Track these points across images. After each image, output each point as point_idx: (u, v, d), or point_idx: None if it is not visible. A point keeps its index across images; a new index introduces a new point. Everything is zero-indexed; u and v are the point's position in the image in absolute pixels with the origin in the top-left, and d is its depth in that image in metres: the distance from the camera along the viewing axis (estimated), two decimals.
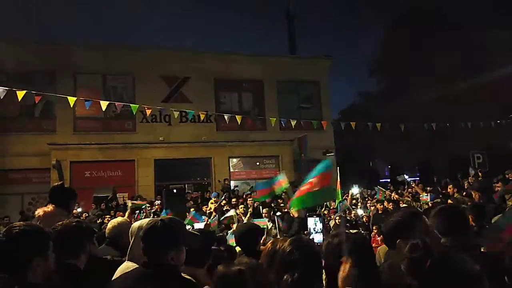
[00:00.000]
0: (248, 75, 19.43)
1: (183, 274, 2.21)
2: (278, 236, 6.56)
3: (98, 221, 10.31)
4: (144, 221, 2.89)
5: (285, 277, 1.86)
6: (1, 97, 9.84)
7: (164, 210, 8.01)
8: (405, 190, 13.03)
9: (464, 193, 9.12)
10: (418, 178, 21.95)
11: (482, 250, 2.69)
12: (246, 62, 19.29)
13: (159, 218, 2.29)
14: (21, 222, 1.96)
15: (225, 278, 1.33)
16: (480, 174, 12.30)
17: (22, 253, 1.86)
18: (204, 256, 2.67)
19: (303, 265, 1.92)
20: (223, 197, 12.47)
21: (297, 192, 3.36)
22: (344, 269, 1.82)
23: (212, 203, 11.78)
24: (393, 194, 11.63)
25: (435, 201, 9.25)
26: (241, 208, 10.51)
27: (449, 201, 9.09)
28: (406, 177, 16.74)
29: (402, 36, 27.07)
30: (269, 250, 2.21)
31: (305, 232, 6.04)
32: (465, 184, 11.67)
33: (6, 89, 9.68)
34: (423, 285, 1.38)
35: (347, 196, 13.40)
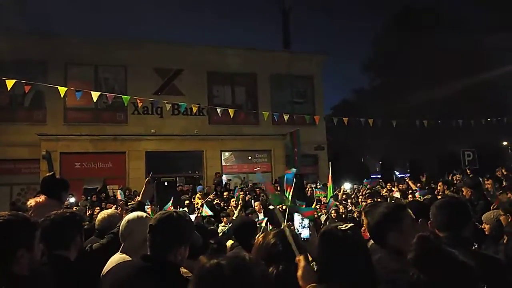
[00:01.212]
0: (241, 68, 19.35)
1: (183, 270, 2.16)
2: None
3: (88, 213, 10.22)
4: (139, 214, 2.85)
5: (270, 269, 1.86)
6: None
7: (169, 203, 7.91)
8: (395, 186, 13.11)
9: (454, 190, 9.20)
10: (408, 175, 22.12)
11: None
12: (240, 56, 19.19)
13: (173, 210, 2.22)
14: (6, 212, 1.89)
15: (203, 270, 1.29)
16: (468, 171, 12.45)
17: (6, 244, 1.80)
18: (202, 250, 2.64)
19: (287, 257, 1.92)
20: (213, 191, 12.45)
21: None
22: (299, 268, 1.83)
23: (198, 197, 11.73)
24: (383, 191, 11.70)
25: (425, 197, 9.32)
26: (233, 201, 10.51)
27: (439, 197, 9.18)
28: (397, 173, 16.88)
29: (396, 34, 27.18)
30: (259, 243, 2.20)
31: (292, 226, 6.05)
32: (455, 181, 11.78)
33: None
34: (431, 279, 1.37)
35: (339, 191, 13.46)
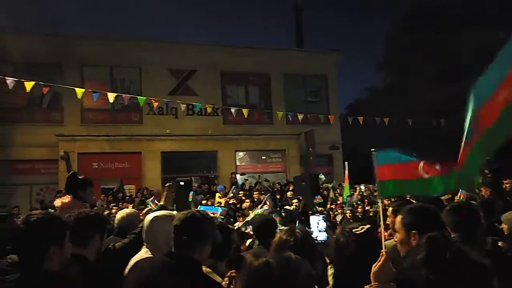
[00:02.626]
0: (255, 68, 19.36)
1: (205, 269, 2.22)
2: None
3: (105, 212, 10.37)
4: (159, 212, 2.90)
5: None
6: (10, 88, 9.95)
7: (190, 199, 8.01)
8: None
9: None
10: None
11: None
12: (253, 56, 19.20)
13: (195, 210, 2.30)
14: (39, 211, 1.98)
15: (251, 269, 1.33)
16: (487, 171, 12.19)
17: (39, 241, 1.88)
18: (225, 250, 2.67)
19: (299, 252, 1.94)
20: (229, 191, 12.50)
21: (386, 171, 2.31)
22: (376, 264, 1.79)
23: (219, 196, 11.81)
24: None
25: (443, 196, 9.19)
26: (247, 202, 10.54)
27: (457, 197, 9.04)
28: None
29: (411, 32, 26.88)
30: (276, 241, 2.26)
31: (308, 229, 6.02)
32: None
33: (15, 80, 9.76)
34: (440, 279, 1.37)
35: (354, 191, 13.36)
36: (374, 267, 1.76)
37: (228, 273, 2.32)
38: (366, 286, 1.71)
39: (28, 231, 1.88)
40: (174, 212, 3.07)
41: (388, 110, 21.06)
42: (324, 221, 2.93)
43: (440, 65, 24.43)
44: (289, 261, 1.35)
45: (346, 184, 9.36)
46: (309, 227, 2.94)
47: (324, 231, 2.59)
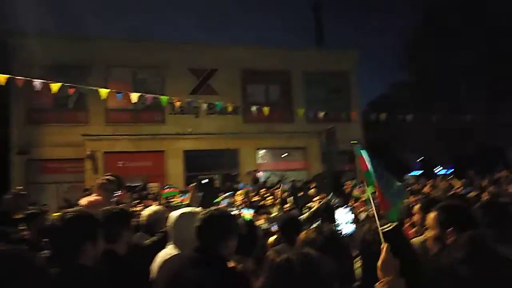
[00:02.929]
0: (275, 67, 19.34)
1: (232, 263, 2.28)
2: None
3: (131, 210, 10.57)
4: (185, 209, 2.97)
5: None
6: (38, 90, 10.25)
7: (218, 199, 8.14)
8: (439, 183, 12.69)
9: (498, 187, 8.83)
10: (452, 171, 21.35)
11: None
12: (273, 54, 19.20)
13: (214, 208, 2.37)
14: (74, 209, 2.08)
15: (273, 265, 1.36)
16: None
17: (74, 237, 1.97)
18: (251, 246, 2.72)
19: (326, 251, 1.95)
20: (252, 189, 12.54)
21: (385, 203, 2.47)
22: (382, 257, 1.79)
23: (239, 194, 11.83)
24: (426, 187, 11.37)
25: (469, 195, 8.99)
26: (270, 200, 10.54)
27: (484, 194, 8.82)
28: (440, 169, 16.34)
29: (435, 24, 26.25)
30: (302, 239, 2.27)
31: (333, 223, 5.99)
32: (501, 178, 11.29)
33: (42, 82, 10.06)
34: (478, 277, 1.35)
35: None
36: (379, 263, 1.76)
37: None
38: (377, 284, 1.70)
39: (64, 227, 1.97)
40: (199, 210, 3.13)
41: (412, 106, 20.71)
42: (352, 213, 2.93)
43: (468, 59, 23.78)
44: (309, 257, 1.36)
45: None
46: (334, 222, 2.95)
47: (352, 223, 2.58)
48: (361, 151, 2.69)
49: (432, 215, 2.38)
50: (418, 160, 32.82)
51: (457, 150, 25.38)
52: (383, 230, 1.88)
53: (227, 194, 8.33)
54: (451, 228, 2.15)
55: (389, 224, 1.88)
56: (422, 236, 3.20)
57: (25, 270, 0.74)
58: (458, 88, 23.23)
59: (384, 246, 1.82)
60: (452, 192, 9.32)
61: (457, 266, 1.43)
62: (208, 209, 2.38)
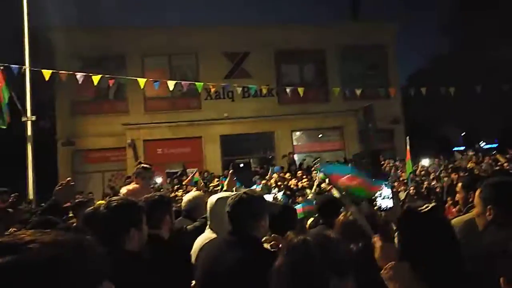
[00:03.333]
0: (308, 45, 18.93)
1: (266, 245, 2.33)
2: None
3: (171, 196, 10.89)
4: (222, 194, 3.04)
5: (350, 246, 1.88)
6: (80, 83, 10.69)
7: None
8: (483, 159, 12.18)
9: None
10: (497, 145, 20.36)
11: None
12: (306, 32, 18.76)
13: (242, 192, 2.41)
14: (118, 197, 2.17)
15: (290, 245, 1.37)
16: None
17: (120, 223, 2.07)
18: (288, 227, 2.76)
19: (366, 234, 1.93)
20: (287, 171, 12.55)
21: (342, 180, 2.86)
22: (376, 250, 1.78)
23: (276, 178, 11.90)
24: (470, 163, 10.94)
25: None
26: (305, 181, 10.54)
27: None
28: (483, 144, 15.62)
29: None
30: (340, 222, 2.25)
31: (372, 198, 5.87)
32: None
33: (84, 74, 10.47)
34: None
35: (417, 167, 12.84)
36: (377, 253, 1.74)
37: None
38: (382, 272, 1.67)
39: (111, 215, 2.07)
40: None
41: (454, 79, 19.77)
42: (388, 188, 2.89)
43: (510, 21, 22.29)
44: (326, 240, 1.36)
45: (408, 160, 9.00)
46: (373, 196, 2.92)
47: (390, 198, 2.56)
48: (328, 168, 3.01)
49: (477, 192, 2.34)
50: (461, 135, 31.50)
51: (502, 124, 24.10)
52: (421, 211, 1.84)
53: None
54: (490, 206, 2.09)
55: (427, 205, 1.83)
56: (467, 214, 3.11)
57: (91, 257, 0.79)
58: (503, 56, 21.85)
59: (375, 238, 1.81)
60: (497, 168, 8.93)
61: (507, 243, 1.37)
62: (235, 193, 2.43)
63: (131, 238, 2.06)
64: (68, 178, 3.32)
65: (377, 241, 1.80)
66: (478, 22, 24.38)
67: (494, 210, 2.09)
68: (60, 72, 10.49)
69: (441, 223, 1.80)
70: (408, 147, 8.91)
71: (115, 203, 2.11)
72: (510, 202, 2.05)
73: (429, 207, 1.80)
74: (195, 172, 11.93)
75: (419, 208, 1.83)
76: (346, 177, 2.64)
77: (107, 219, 2.08)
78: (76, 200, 4.37)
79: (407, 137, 9.31)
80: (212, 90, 13.61)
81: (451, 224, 1.93)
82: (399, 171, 11.91)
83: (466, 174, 8.91)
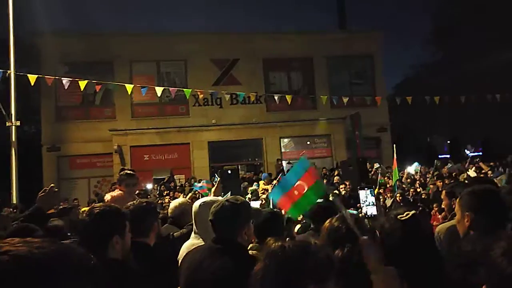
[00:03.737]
0: (296, 53, 19.12)
1: (252, 252, 2.33)
2: None
3: (158, 202, 10.81)
4: (206, 199, 3.03)
5: (336, 252, 1.90)
6: (66, 88, 10.58)
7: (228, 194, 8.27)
8: (468, 166, 12.38)
9: None
10: (481, 154, 20.73)
11: None
12: (294, 40, 18.93)
13: (224, 200, 2.41)
14: (101, 203, 2.14)
15: (269, 251, 1.38)
16: None
17: (103, 231, 2.04)
18: (274, 234, 2.76)
19: (351, 239, 1.95)
20: (277, 178, 12.53)
21: (284, 203, 3.09)
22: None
23: (264, 184, 11.91)
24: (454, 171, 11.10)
25: (499, 177, 8.74)
26: None
27: None
28: (468, 152, 15.91)
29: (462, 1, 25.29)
30: (325, 228, 2.27)
31: (357, 205, 5.96)
32: None
33: (70, 80, 10.36)
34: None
35: (403, 174, 12.99)
36: (365, 253, 1.75)
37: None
38: (373, 275, 1.70)
39: (93, 222, 2.04)
40: (220, 198, 3.20)
41: (439, 88, 20.11)
42: (372, 195, 2.94)
43: (496, 36, 22.82)
44: (305, 246, 1.36)
45: (395, 168, 9.11)
46: (358, 202, 2.97)
47: (373, 205, 2.59)
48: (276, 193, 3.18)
49: (457, 200, 2.38)
50: (446, 143, 31.99)
51: (486, 132, 24.57)
52: (401, 218, 1.86)
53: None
54: (468, 213, 2.14)
55: (407, 213, 1.86)
56: (450, 221, 3.16)
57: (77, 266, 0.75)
58: (487, 66, 22.32)
59: (362, 239, 1.83)
60: (477, 176, 9.09)
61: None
62: (218, 202, 2.43)
63: (114, 246, 2.03)
64: (52, 185, 3.26)
65: (364, 242, 1.80)
66: (463, 33, 24.90)
67: (470, 217, 2.13)
68: (46, 76, 10.36)
69: (420, 230, 1.83)
70: (395, 155, 9.03)
71: (97, 210, 2.08)
72: (485, 209, 2.09)
73: (409, 215, 1.83)
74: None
75: (399, 216, 1.85)
76: (288, 193, 2.83)
77: (90, 227, 2.05)
78: (60, 207, 4.31)
79: (394, 145, 9.43)
80: (201, 96, 13.62)
81: (430, 231, 1.96)
82: (386, 177, 12.02)
83: (452, 181, 9.05)
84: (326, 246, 1.42)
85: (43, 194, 3.11)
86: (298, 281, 1.27)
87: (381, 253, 1.80)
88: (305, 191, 2.91)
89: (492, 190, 2.32)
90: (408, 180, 12.16)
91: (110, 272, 1.92)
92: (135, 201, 2.79)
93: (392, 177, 10.31)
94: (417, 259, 1.71)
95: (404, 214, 1.85)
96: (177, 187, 14.16)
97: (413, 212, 1.86)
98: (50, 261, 0.73)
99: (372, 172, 13.08)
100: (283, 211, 2.98)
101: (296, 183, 2.95)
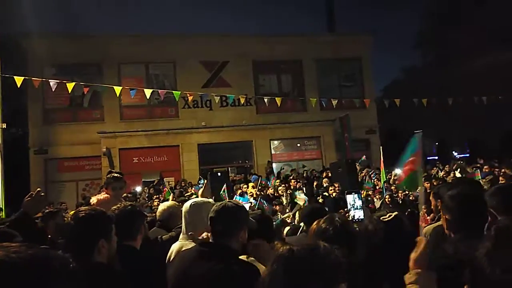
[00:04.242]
0: (286, 55, 19.20)
1: (250, 259, 2.33)
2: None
3: (147, 205, 10.74)
4: (196, 200, 3.02)
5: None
6: (53, 90, 10.44)
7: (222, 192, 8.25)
8: (454, 167, 12.53)
9: None
10: (468, 155, 20.99)
11: None
12: (284, 43, 19.02)
13: (228, 201, 2.42)
14: (87, 207, 2.12)
15: (277, 256, 1.36)
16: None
17: (88, 235, 2.02)
18: (268, 239, 2.77)
19: (338, 241, 1.95)
20: (269, 180, 12.58)
21: (402, 171, 3.42)
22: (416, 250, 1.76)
23: (253, 186, 11.90)
24: (441, 173, 11.24)
25: (486, 178, 8.86)
26: (281, 189, 10.62)
27: (501, 178, 8.68)
28: (455, 154, 16.12)
29: (450, 5, 25.67)
30: (313, 230, 2.28)
31: (344, 209, 6.04)
32: None
33: (57, 82, 10.23)
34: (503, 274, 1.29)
35: (391, 176, 13.08)
36: (414, 254, 1.72)
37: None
38: (407, 274, 1.68)
39: (78, 226, 2.02)
40: (211, 200, 3.20)
41: (427, 90, 20.33)
42: (359, 199, 2.97)
43: (483, 39, 23.21)
44: (315, 249, 1.35)
45: (382, 170, 9.19)
46: (346, 207, 2.99)
47: (360, 209, 2.61)
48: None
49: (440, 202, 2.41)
50: (434, 145, 32.35)
51: (474, 134, 24.92)
52: (384, 220, 1.88)
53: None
54: (445, 215, 2.17)
55: (389, 214, 1.88)
56: (437, 223, 3.20)
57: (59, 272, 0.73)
58: (474, 69, 22.67)
59: (421, 239, 1.78)
60: (460, 177, 9.22)
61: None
62: (222, 202, 2.43)
63: (100, 250, 2.01)
64: (38, 189, 3.21)
65: (421, 242, 1.74)
66: (451, 36, 25.25)
67: (447, 218, 2.16)
68: (33, 78, 10.21)
69: (403, 232, 1.84)
70: (382, 157, 9.10)
71: (82, 214, 2.05)
72: (460, 211, 2.12)
73: (392, 216, 1.84)
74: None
75: (382, 217, 1.87)
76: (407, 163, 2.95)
77: (75, 231, 2.03)
78: (46, 211, 4.25)
79: (381, 147, 9.51)
80: (190, 98, 13.58)
81: (414, 232, 1.97)
82: (374, 179, 12.11)
83: (440, 183, 9.14)
84: (333, 249, 1.40)
85: (29, 198, 3.07)
86: (309, 283, 1.26)
87: (426, 258, 1.76)
88: (415, 168, 3.17)
89: (468, 193, 2.35)
90: (397, 182, 12.25)
91: (95, 276, 1.91)
92: (120, 204, 2.76)
93: (380, 178, 10.38)
94: (399, 260, 1.71)
95: (387, 216, 1.86)
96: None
97: (395, 213, 1.87)
98: (28, 265, 0.73)
99: (363, 174, 13.17)
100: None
101: (410, 158, 3.22)
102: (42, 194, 3.19)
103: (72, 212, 2.26)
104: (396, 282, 1.68)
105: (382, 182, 9.25)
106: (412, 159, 3.12)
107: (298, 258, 1.30)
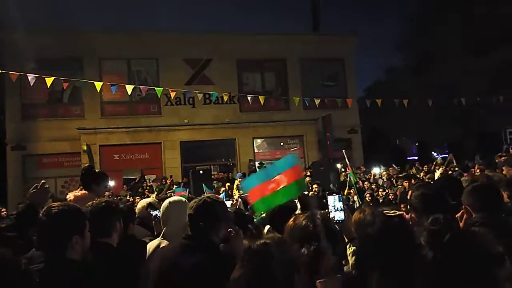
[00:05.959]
0: (270, 54, 19.20)
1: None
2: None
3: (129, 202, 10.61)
4: (175, 198, 3.00)
5: (302, 250, 1.92)
6: (32, 85, 10.19)
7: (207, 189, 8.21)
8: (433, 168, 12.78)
9: (497, 170, 8.87)
10: (447, 156, 21.42)
11: None
12: (268, 41, 19.02)
13: (206, 196, 2.39)
14: (59, 203, 2.07)
15: (251, 250, 1.37)
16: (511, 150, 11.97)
17: (62, 231, 1.97)
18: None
19: (318, 238, 1.97)
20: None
21: (254, 193, 2.98)
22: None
23: (237, 185, 11.88)
24: (421, 173, 11.46)
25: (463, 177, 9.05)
26: None
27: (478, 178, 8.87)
28: (435, 154, 16.44)
29: (431, 9, 26.13)
30: (290, 226, 2.28)
31: (325, 210, 6.09)
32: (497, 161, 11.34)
33: (36, 76, 9.99)
34: (438, 257, 1.39)
35: (370, 175, 13.28)
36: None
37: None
38: (317, 281, 1.74)
39: (50, 222, 1.97)
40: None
41: (408, 91, 20.67)
42: (340, 201, 2.98)
43: (464, 40, 23.72)
44: (283, 240, 1.39)
45: (349, 172, 9.39)
46: (327, 208, 3.00)
47: (341, 210, 2.65)
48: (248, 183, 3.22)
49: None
50: (414, 145, 32.93)
51: (454, 135, 25.46)
52: (388, 214, 1.93)
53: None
54: (413, 214, 2.30)
55: (394, 211, 1.93)
56: None
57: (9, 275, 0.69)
58: (456, 72, 23.15)
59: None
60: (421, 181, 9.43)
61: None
62: (199, 197, 2.40)
63: (74, 246, 1.96)
64: (43, 181, 3.17)
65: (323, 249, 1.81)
66: (433, 38, 25.71)
67: (414, 217, 2.33)
68: (10, 72, 9.95)
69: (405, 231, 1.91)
70: (346, 160, 9.29)
71: (55, 210, 2.00)
72: (423, 210, 2.26)
73: (397, 213, 1.90)
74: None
75: (386, 211, 1.92)
76: (263, 184, 2.79)
77: (47, 227, 1.97)
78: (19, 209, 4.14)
79: (344, 151, 9.70)
80: (173, 95, 13.45)
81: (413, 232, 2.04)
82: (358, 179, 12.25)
83: (417, 182, 9.30)
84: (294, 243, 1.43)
85: (34, 190, 3.02)
86: (284, 272, 1.28)
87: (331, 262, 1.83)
88: (282, 186, 2.87)
89: (429, 193, 2.47)
90: (380, 180, 12.42)
91: (68, 273, 1.87)
92: (94, 201, 2.72)
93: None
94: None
95: (392, 212, 1.92)
96: (148, 188, 13.93)
97: (400, 212, 1.94)
98: None
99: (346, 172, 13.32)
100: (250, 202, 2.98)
101: (276, 177, 2.88)
102: (47, 186, 3.15)
103: (45, 208, 2.20)
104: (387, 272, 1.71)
105: (353, 182, 9.40)
106: (277, 177, 2.84)
107: (273, 250, 1.32)
